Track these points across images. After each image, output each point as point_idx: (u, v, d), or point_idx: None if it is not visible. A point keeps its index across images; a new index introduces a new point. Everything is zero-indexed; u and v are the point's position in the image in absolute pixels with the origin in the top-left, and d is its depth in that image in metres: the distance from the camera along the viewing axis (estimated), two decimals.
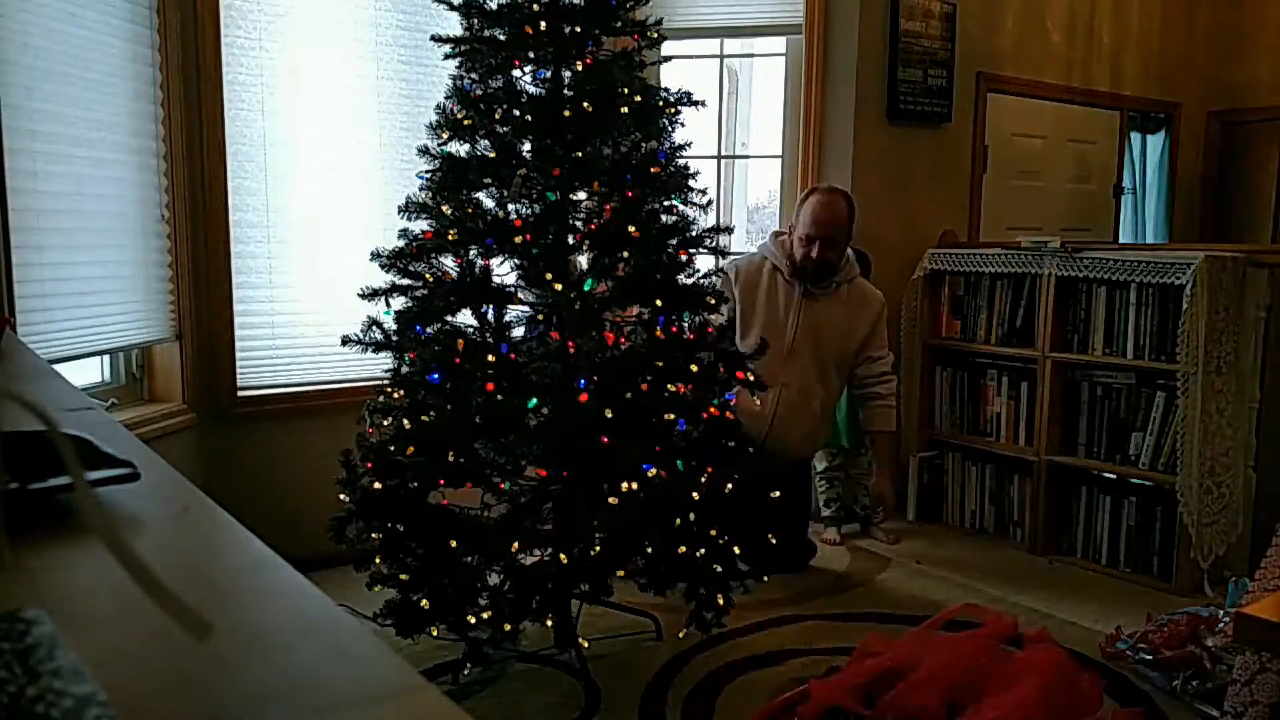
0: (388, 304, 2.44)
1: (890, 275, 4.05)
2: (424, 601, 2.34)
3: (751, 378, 2.61)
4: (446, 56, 2.50)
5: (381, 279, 2.45)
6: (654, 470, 2.36)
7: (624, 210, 2.40)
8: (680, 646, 2.76)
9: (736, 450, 2.58)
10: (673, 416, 2.42)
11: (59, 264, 2.57)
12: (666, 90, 2.51)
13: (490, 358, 2.36)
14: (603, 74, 2.42)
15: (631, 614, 2.85)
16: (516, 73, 2.48)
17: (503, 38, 2.44)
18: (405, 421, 2.38)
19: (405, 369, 2.45)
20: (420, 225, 2.44)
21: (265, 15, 3.22)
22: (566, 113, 2.39)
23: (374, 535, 2.38)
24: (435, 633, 2.41)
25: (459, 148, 2.46)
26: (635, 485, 2.34)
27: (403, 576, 2.38)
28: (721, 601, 2.57)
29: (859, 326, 3.41)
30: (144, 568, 0.42)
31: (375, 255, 2.43)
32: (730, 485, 2.52)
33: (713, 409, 2.51)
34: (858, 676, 2.31)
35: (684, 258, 2.52)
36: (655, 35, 2.51)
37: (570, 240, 2.45)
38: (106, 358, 3.03)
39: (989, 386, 3.88)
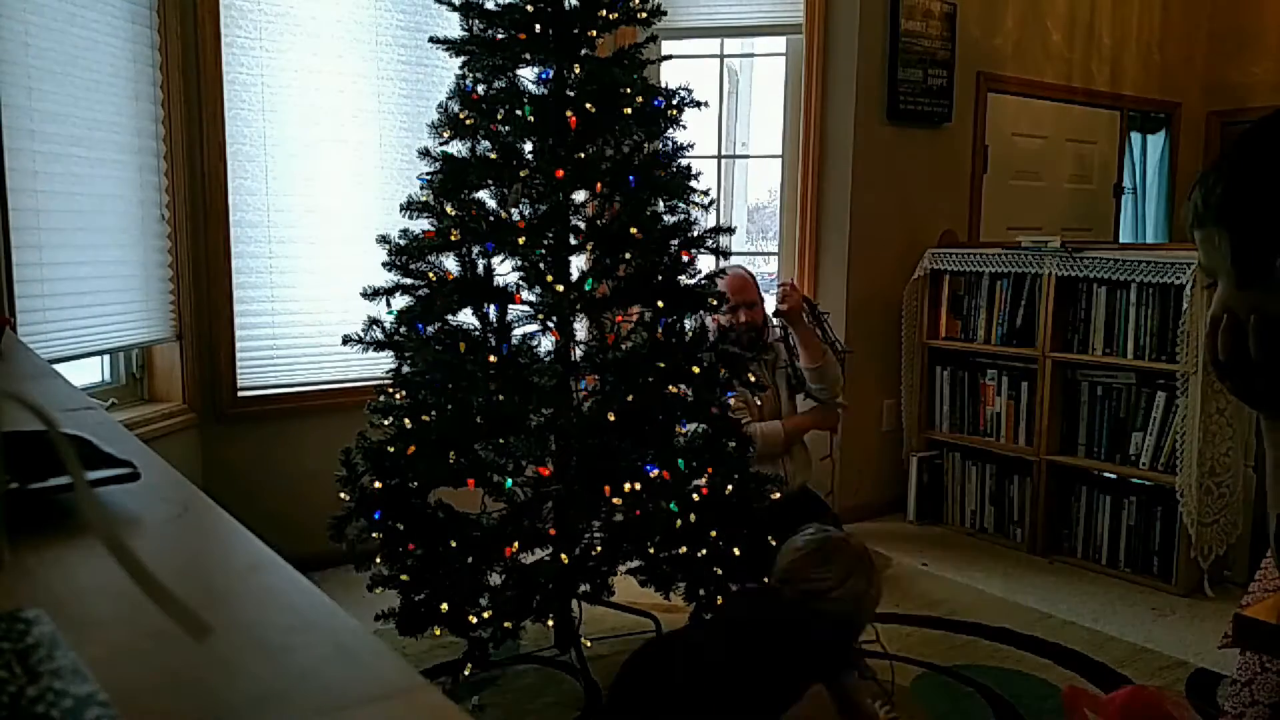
0: (388, 304, 2.44)
1: (890, 275, 4.05)
2: (424, 605, 2.34)
3: (752, 379, 2.60)
4: (452, 55, 2.50)
5: (383, 278, 2.45)
6: (655, 471, 2.36)
7: (626, 211, 2.40)
8: None
9: (737, 451, 2.58)
10: (674, 417, 2.42)
11: (59, 264, 2.57)
12: (668, 90, 2.51)
13: (492, 358, 2.36)
14: (604, 74, 2.42)
15: (631, 614, 2.85)
16: (520, 72, 2.49)
17: (503, 38, 2.45)
18: (406, 421, 2.38)
19: (407, 369, 2.45)
20: (422, 224, 2.44)
21: (265, 15, 3.22)
22: (569, 113, 2.39)
23: (375, 535, 2.38)
24: (437, 632, 2.41)
25: (460, 147, 2.46)
26: (637, 486, 2.34)
27: (403, 577, 2.38)
28: (721, 603, 2.57)
29: None
30: (143, 568, 0.42)
31: (383, 239, 2.43)
32: (731, 486, 2.52)
33: (714, 409, 2.51)
34: None
35: (686, 259, 2.52)
36: (644, 16, 2.49)
37: (572, 241, 2.45)
38: (106, 358, 3.03)
39: (989, 386, 3.88)
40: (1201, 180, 0.98)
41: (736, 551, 2.52)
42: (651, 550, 2.45)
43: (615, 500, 2.35)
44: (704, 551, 2.48)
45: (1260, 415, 1.02)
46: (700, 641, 2.12)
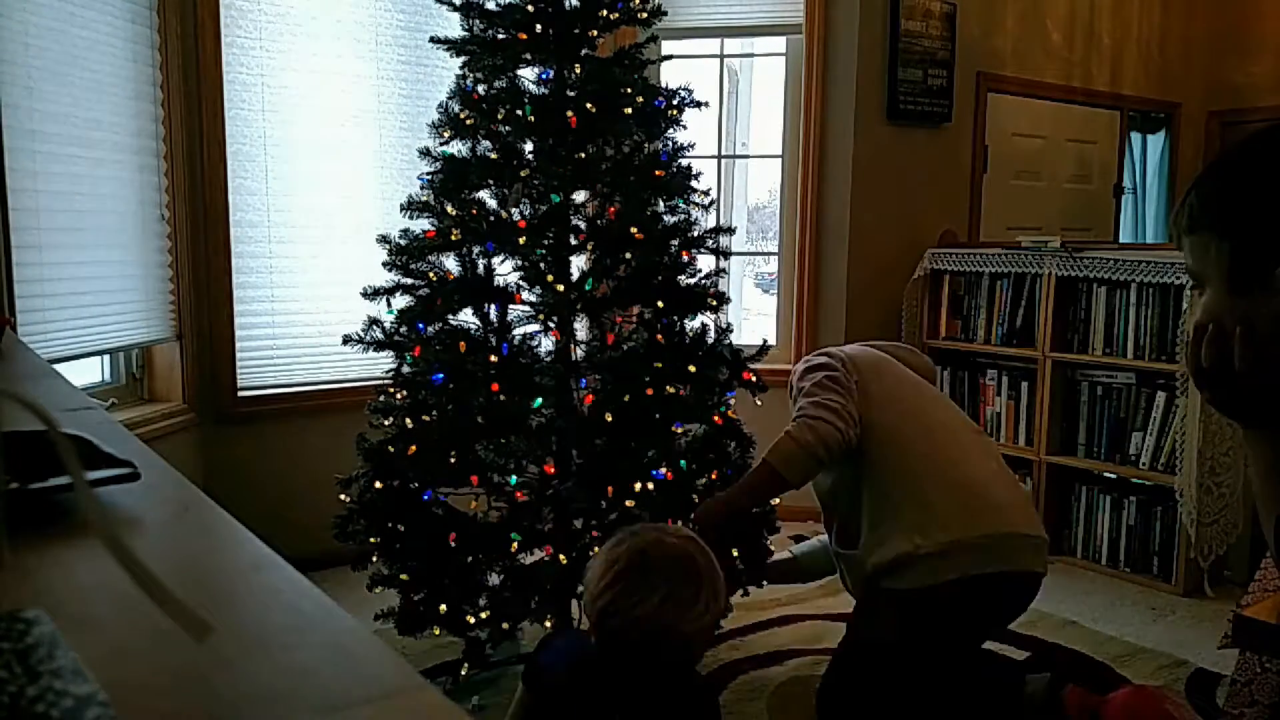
0: (388, 304, 2.44)
1: (890, 275, 4.05)
2: (424, 605, 2.34)
3: (754, 379, 2.60)
4: (452, 55, 2.50)
5: (383, 278, 2.45)
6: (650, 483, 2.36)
7: (626, 211, 2.40)
8: None
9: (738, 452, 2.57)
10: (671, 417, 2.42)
11: (59, 264, 2.57)
12: (668, 90, 2.51)
13: (492, 358, 2.36)
14: (605, 74, 2.42)
15: None
16: (521, 72, 2.49)
17: (503, 38, 2.45)
18: (406, 421, 2.38)
19: (407, 369, 2.45)
20: (422, 225, 2.44)
21: (265, 15, 3.22)
22: (569, 114, 2.39)
23: (372, 540, 2.38)
24: (436, 632, 2.41)
25: (460, 148, 2.46)
26: (636, 486, 2.34)
27: (403, 576, 2.38)
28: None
29: None
30: (144, 568, 0.42)
31: (383, 239, 2.43)
32: None
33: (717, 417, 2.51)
34: None
35: (686, 259, 2.52)
36: (645, 16, 2.50)
37: (572, 241, 2.45)
38: (106, 358, 3.03)
39: (989, 386, 3.88)
40: (1197, 185, 0.97)
41: (735, 553, 2.52)
42: None
43: (624, 499, 2.35)
44: None
45: (1240, 425, 1.01)
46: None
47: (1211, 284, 0.95)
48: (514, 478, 2.36)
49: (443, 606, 2.31)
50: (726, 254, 2.64)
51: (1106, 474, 3.54)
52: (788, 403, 2.35)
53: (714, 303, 2.54)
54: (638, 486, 2.32)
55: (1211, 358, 0.94)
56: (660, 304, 2.45)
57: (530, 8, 2.39)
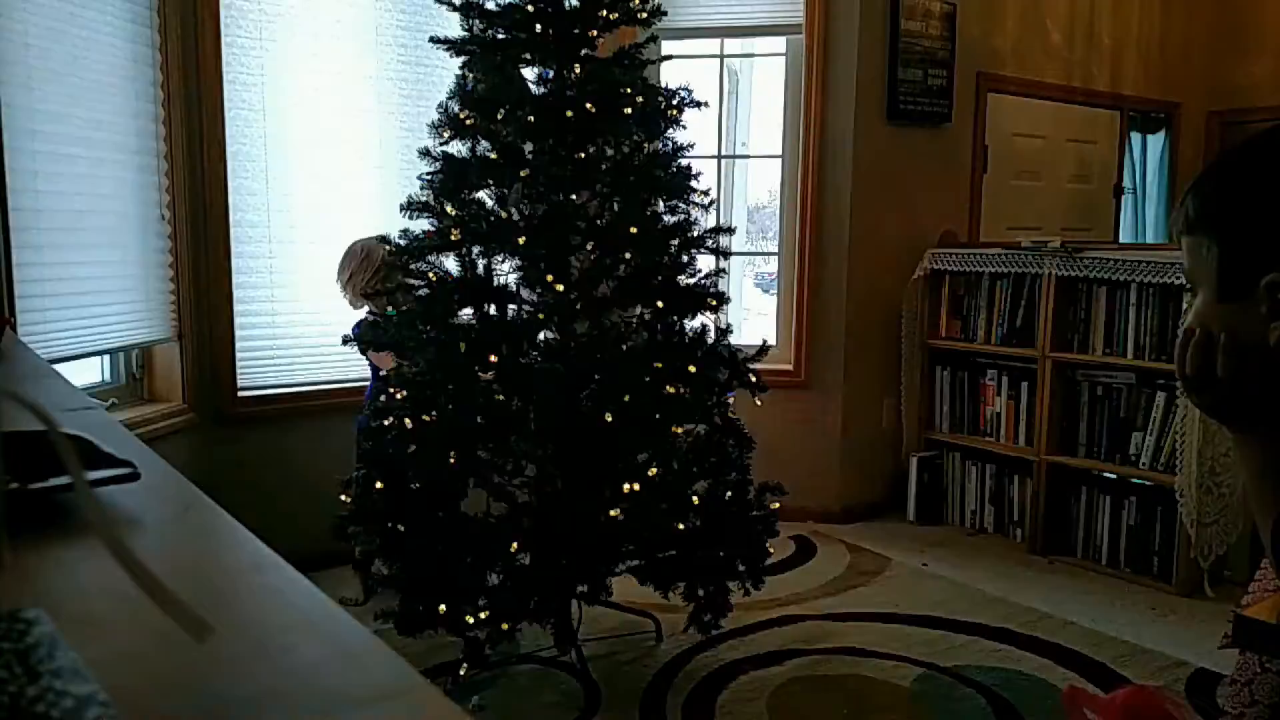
0: (389, 304, 2.44)
1: (890, 275, 4.05)
2: (423, 605, 2.34)
3: (753, 379, 2.60)
4: (452, 55, 2.50)
5: None
6: (653, 470, 2.36)
7: (626, 211, 2.40)
8: (680, 646, 2.76)
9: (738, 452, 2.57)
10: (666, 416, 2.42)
11: (59, 264, 2.57)
12: (668, 90, 2.51)
13: (492, 358, 2.36)
14: (605, 74, 2.42)
15: (631, 614, 2.85)
16: (521, 72, 2.49)
17: (503, 38, 2.45)
18: (406, 421, 2.38)
19: (406, 369, 2.45)
20: (422, 225, 2.44)
21: (265, 15, 3.22)
22: (569, 113, 2.39)
23: (374, 541, 2.38)
24: (436, 632, 2.41)
25: (460, 147, 2.46)
26: (636, 486, 2.34)
27: (396, 573, 2.38)
28: (721, 603, 2.57)
29: None
30: (144, 568, 0.42)
31: (383, 240, 2.43)
32: (730, 490, 2.52)
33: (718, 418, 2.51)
34: None
35: (685, 258, 2.52)
36: (645, 16, 2.50)
37: (572, 241, 2.45)
38: (106, 358, 3.03)
39: (989, 386, 3.88)
40: (1195, 187, 0.97)
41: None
42: (649, 550, 2.45)
43: (615, 499, 2.34)
44: (703, 552, 2.48)
45: (1228, 429, 1.01)
46: None
47: (1203, 288, 0.95)
48: (510, 482, 2.35)
49: (442, 606, 2.31)
50: (726, 254, 2.64)
51: (1106, 474, 3.54)
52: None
53: (714, 303, 2.54)
54: (635, 486, 2.32)
55: (1197, 363, 0.94)
56: (660, 304, 2.45)
57: (530, 8, 2.39)
